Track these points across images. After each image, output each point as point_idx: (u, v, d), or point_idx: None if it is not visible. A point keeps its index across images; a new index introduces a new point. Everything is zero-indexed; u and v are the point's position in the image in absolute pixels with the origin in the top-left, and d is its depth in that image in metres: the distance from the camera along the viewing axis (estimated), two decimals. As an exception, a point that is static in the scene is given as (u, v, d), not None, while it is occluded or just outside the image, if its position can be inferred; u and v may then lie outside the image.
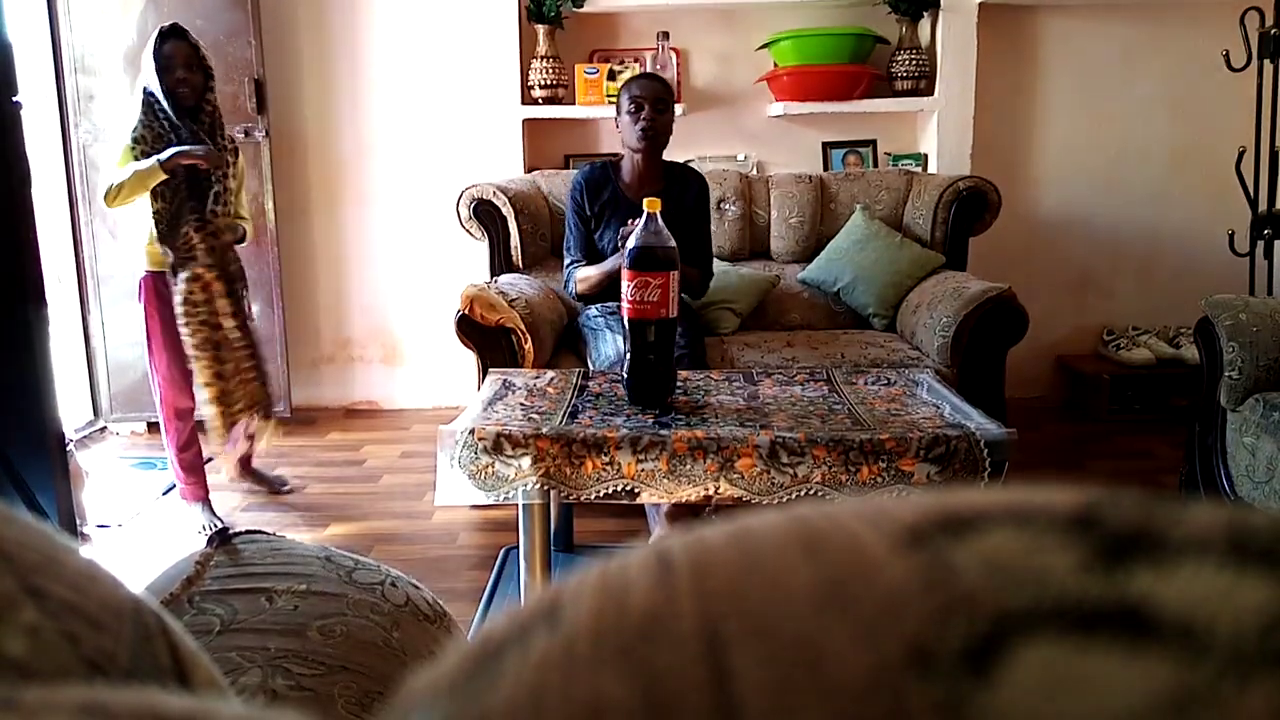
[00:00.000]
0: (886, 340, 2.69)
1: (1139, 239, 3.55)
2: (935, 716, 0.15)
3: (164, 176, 2.26)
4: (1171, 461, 2.74)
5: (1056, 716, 0.15)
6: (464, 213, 2.89)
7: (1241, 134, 2.86)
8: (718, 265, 2.87)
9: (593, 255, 2.50)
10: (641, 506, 1.95)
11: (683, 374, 1.90)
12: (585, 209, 2.49)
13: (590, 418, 1.63)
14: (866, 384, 1.86)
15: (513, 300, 2.44)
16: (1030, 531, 0.18)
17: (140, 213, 2.34)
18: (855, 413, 1.66)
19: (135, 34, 3.09)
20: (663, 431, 1.53)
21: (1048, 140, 3.52)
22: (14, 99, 1.94)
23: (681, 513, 2.00)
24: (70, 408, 3.13)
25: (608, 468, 1.52)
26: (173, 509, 2.61)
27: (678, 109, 2.61)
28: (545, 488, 1.53)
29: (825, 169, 3.47)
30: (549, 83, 3.31)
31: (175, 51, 2.30)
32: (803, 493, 1.50)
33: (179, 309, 2.33)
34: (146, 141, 2.30)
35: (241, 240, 2.51)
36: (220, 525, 1.63)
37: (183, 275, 2.32)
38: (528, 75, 3.34)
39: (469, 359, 2.63)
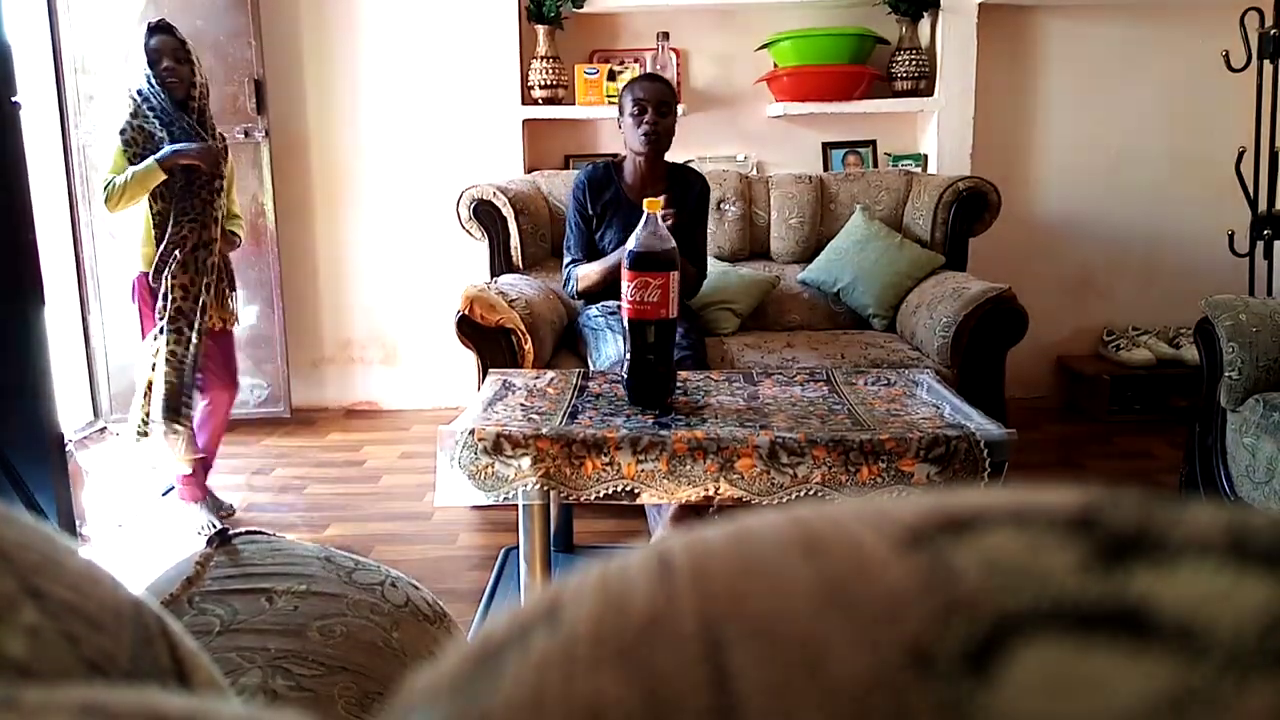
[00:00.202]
0: (886, 341, 2.69)
1: (1139, 239, 3.55)
2: (935, 717, 0.15)
3: (164, 177, 2.27)
4: (1171, 462, 2.74)
5: (1057, 717, 0.15)
6: (464, 213, 2.90)
7: (1241, 134, 2.86)
8: (718, 266, 2.88)
9: (593, 255, 2.50)
10: (641, 507, 1.95)
11: (682, 374, 1.90)
12: (587, 208, 2.49)
13: (590, 418, 1.64)
14: (866, 384, 1.86)
15: (513, 301, 2.44)
16: (1030, 532, 0.18)
17: (138, 214, 2.35)
18: (855, 413, 1.66)
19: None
20: (663, 432, 1.53)
21: (1048, 141, 3.52)
22: (13, 99, 1.94)
23: (686, 515, 2.00)
24: (70, 408, 3.13)
25: (608, 468, 1.52)
26: (172, 509, 2.60)
27: (678, 110, 2.61)
28: (545, 488, 1.53)
29: (825, 169, 3.47)
30: (549, 83, 3.31)
31: (162, 45, 2.33)
32: (803, 493, 1.50)
33: (163, 310, 2.34)
34: (138, 144, 2.31)
35: (236, 246, 2.55)
36: (219, 526, 1.62)
37: (168, 276, 2.33)
38: (528, 75, 3.34)
39: (469, 359, 2.63)
